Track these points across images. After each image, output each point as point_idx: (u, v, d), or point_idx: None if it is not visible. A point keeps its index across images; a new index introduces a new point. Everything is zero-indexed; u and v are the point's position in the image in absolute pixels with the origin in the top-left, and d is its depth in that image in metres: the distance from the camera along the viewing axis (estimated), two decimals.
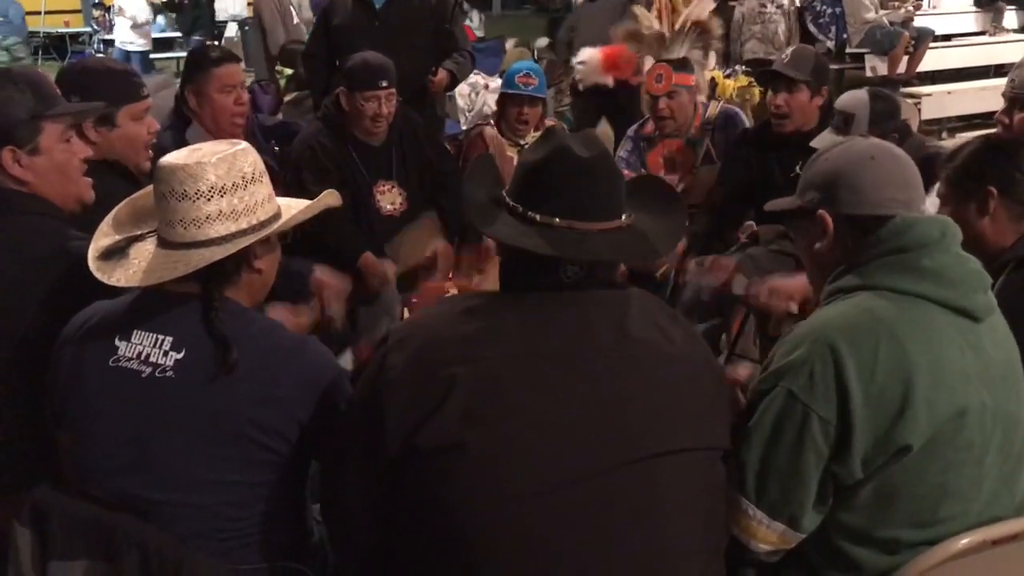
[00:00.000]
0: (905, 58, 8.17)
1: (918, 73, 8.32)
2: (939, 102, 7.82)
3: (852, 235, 1.49)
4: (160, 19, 12.92)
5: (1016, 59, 3.01)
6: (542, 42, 7.65)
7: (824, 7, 8.27)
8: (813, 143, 2.77)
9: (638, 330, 1.33)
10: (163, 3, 12.37)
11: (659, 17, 3.90)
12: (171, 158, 1.47)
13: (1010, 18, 9.41)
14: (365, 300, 3.04)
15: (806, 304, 2.27)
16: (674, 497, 1.29)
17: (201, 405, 1.40)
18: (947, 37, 9.08)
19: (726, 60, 6.75)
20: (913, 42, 8.15)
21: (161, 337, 1.43)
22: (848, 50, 8.42)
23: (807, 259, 1.60)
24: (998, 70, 8.78)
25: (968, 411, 1.40)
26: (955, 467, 1.40)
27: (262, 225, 1.49)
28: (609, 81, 4.62)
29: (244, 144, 1.52)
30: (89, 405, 1.46)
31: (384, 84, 3.09)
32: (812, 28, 8.27)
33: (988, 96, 7.73)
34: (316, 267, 2.53)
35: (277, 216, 1.53)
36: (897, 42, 8.05)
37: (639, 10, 3.90)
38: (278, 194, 1.60)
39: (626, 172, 2.79)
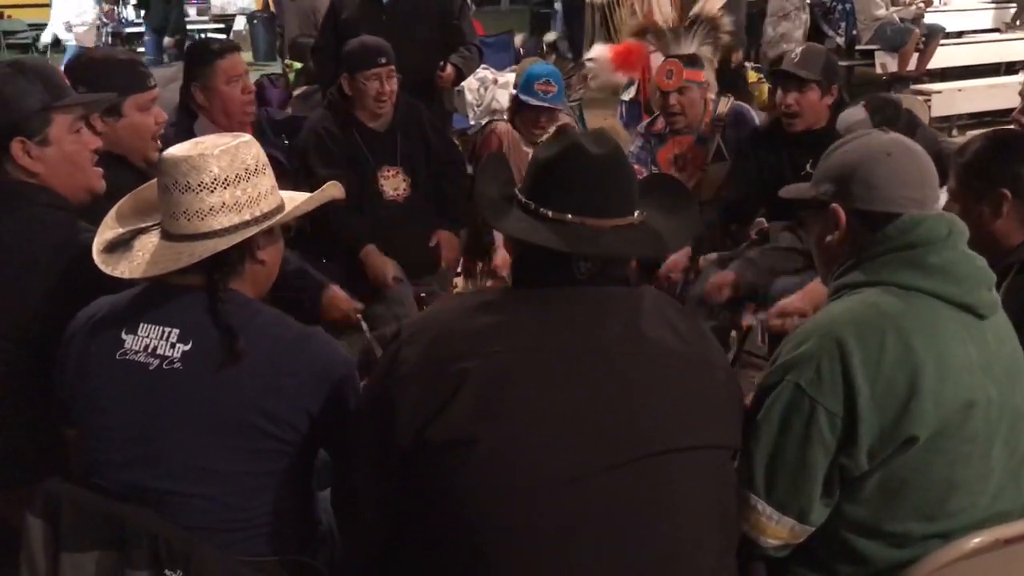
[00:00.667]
0: (915, 55, 8.15)
1: (928, 70, 8.30)
2: (949, 99, 7.79)
3: (862, 230, 1.50)
4: None
5: None
6: (551, 36, 7.64)
7: (835, 3, 8.26)
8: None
9: (650, 328, 1.33)
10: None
11: (672, 10, 3.88)
12: (174, 150, 1.48)
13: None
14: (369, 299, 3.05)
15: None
16: (685, 493, 1.29)
17: (209, 396, 1.41)
18: (958, 34, 9.04)
19: (747, 57, 6.75)
20: (923, 39, 8.13)
21: (168, 329, 1.44)
22: (858, 47, 8.40)
23: (817, 250, 1.61)
24: (1009, 67, 8.76)
25: (975, 404, 1.40)
26: (962, 460, 1.41)
27: (265, 217, 1.49)
28: (621, 79, 4.61)
29: (247, 136, 1.53)
30: (97, 399, 1.46)
31: (383, 61, 3.10)
32: (822, 24, 8.25)
33: (999, 93, 7.71)
34: (332, 286, 2.52)
35: (280, 208, 1.53)
36: (907, 39, 8.03)
37: (639, 8, 3.90)
38: (287, 187, 1.60)
39: (637, 168, 2.77)
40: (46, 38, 10.31)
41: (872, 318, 1.40)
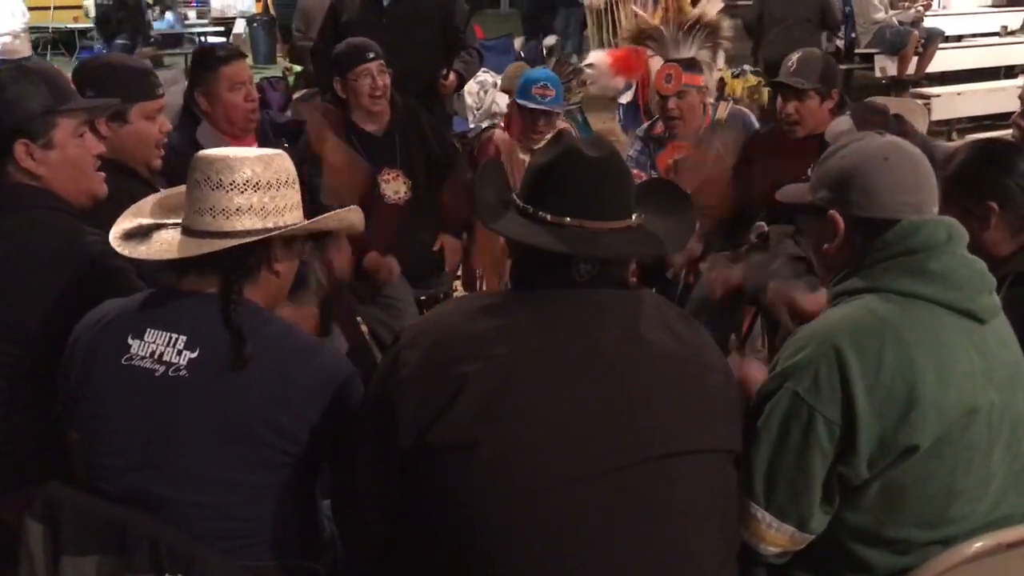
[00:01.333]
0: (915, 59, 8.15)
1: (928, 74, 8.30)
2: (949, 103, 7.80)
3: (861, 237, 1.49)
4: (169, 15, 12.95)
5: None
6: (550, 40, 7.65)
7: None
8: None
9: (649, 331, 1.33)
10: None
11: (665, 16, 3.88)
12: (210, 150, 1.50)
13: (1018, 19, 9.37)
14: (371, 299, 3.05)
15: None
16: (686, 497, 1.29)
17: (214, 405, 1.40)
18: (958, 38, 9.05)
19: (756, 62, 6.75)
20: (923, 42, 8.13)
21: (175, 336, 1.43)
22: (857, 50, 8.41)
23: (815, 256, 1.60)
24: (1008, 71, 8.77)
25: (977, 411, 1.40)
26: (963, 467, 1.40)
27: (287, 228, 1.50)
28: (620, 84, 4.62)
29: (281, 151, 1.55)
30: (101, 403, 1.46)
31: (371, 56, 3.10)
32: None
33: (998, 97, 7.72)
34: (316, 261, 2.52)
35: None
36: (907, 42, 8.03)
37: (638, 9, 3.89)
38: None
39: (636, 173, 2.78)
40: None
41: (870, 326, 1.40)
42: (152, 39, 10.63)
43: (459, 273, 3.65)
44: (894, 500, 1.40)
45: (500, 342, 1.30)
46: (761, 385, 1.46)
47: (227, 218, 1.45)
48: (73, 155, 1.79)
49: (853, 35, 8.43)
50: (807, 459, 1.38)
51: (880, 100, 3.29)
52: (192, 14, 12.67)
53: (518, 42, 7.86)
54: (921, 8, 8.46)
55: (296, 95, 4.61)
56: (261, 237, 1.46)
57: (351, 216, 1.64)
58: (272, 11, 10.94)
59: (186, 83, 2.97)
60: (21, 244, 1.72)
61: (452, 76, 3.94)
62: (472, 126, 5.18)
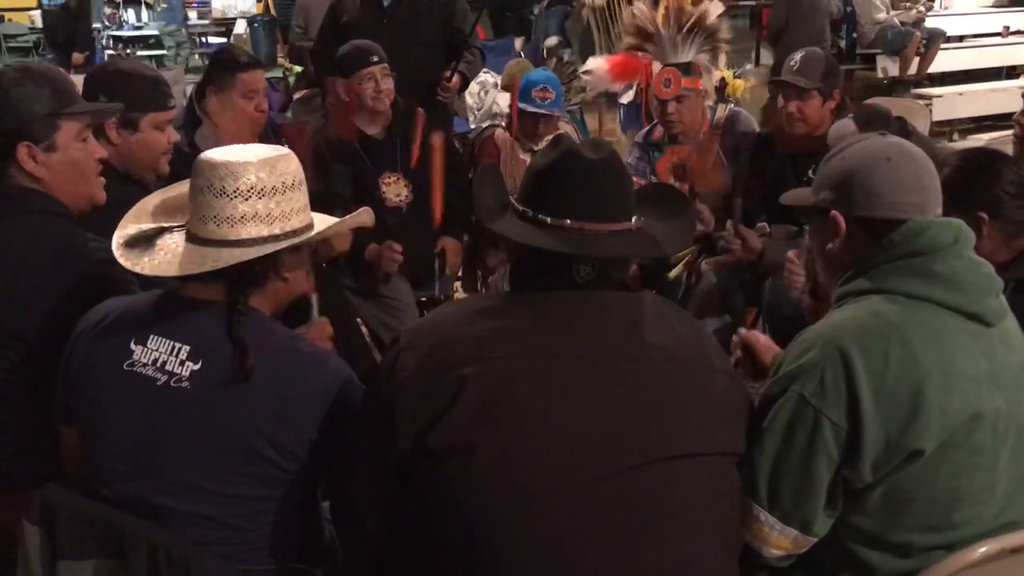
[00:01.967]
0: (916, 59, 8.15)
1: (929, 74, 8.30)
2: (950, 103, 7.80)
3: (865, 237, 1.48)
4: None
5: None
6: (551, 41, 7.64)
7: None
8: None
9: (651, 333, 1.32)
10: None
11: (666, 15, 3.87)
12: (213, 154, 1.46)
13: (1020, 19, 9.36)
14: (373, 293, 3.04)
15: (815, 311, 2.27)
16: (688, 501, 1.28)
17: (214, 419, 1.39)
18: (959, 38, 9.04)
19: (757, 62, 6.75)
20: (924, 43, 8.13)
21: (179, 345, 1.42)
22: (859, 50, 8.41)
23: (819, 258, 1.59)
24: (1010, 71, 8.76)
25: (982, 415, 1.39)
26: (967, 471, 1.39)
27: (295, 233, 1.47)
28: (619, 88, 4.60)
29: (287, 151, 1.52)
30: (100, 406, 1.45)
31: (375, 59, 3.10)
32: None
33: (1000, 98, 7.72)
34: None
35: (310, 227, 1.52)
36: (908, 42, 8.03)
37: (638, 10, 3.88)
38: None
39: (636, 180, 2.76)
40: None
41: (876, 328, 1.39)
42: (108, 48, 10.49)
43: (459, 275, 3.65)
44: (898, 504, 1.39)
45: (499, 344, 1.29)
46: (766, 388, 1.45)
47: (231, 226, 1.43)
48: (75, 158, 1.78)
49: (855, 35, 8.43)
50: (812, 463, 1.37)
51: (882, 101, 3.28)
52: (193, 14, 12.67)
53: (519, 43, 7.85)
54: (923, 8, 8.46)
55: (296, 95, 4.61)
56: (268, 251, 1.43)
57: (362, 218, 1.63)
58: (273, 11, 10.93)
59: (187, 83, 2.97)
60: (19, 248, 1.71)
61: (456, 77, 3.93)
62: (473, 126, 5.17)
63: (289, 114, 5.10)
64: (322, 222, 1.56)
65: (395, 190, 3.23)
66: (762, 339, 1.74)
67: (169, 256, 1.47)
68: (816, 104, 3.02)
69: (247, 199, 1.43)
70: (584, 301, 1.34)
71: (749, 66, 6.44)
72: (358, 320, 2.97)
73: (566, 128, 3.84)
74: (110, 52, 11.85)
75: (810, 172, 2.96)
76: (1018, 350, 1.48)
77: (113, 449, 1.43)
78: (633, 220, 1.39)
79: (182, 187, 1.56)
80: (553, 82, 3.60)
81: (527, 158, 3.55)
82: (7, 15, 13.27)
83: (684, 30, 3.49)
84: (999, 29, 9.21)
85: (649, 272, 3.16)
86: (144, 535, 1.36)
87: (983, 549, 1.38)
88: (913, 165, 1.49)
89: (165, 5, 10.86)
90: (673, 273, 3.18)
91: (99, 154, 1.84)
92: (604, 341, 1.31)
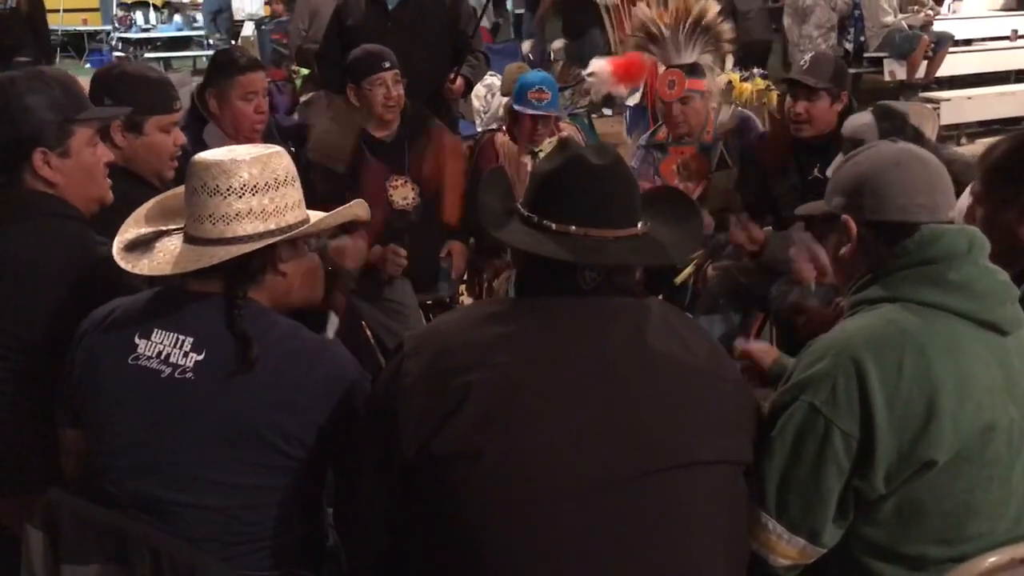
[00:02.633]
0: (924, 62, 8.13)
1: (937, 78, 8.28)
2: (958, 107, 7.77)
3: (877, 242, 1.47)
4: (177, 17, 13.00)
5: None
6: (557, 43, 7.64)
7: None
8: (829, 171, 2.74)
9: (657, 341, 1.31)
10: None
11: (674, 19, 3.86)
12: (205, 154, 1.48)
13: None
14: (378, 295, 3.04)
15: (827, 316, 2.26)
16: (694, 509, 1.27)
17: (220, 408, 1.40)
18: (967, 42, 9.01)
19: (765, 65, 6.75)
20: (932, 46, 8.10)
21: (182, 337, 1.43)
22: (866, 54, 8.39)
23: (833, 264, 1.59)
24: (1018, 75, 8.73)
25: (996, 427, 1.37)
26: (982, 484, 1.38)
27: (290, 228, 1.49)
28: (623, 91, 4.59)
29: (279, 148, 1.53)
30: (106, 402, 1.45)
31: (387, 66, 3.09)
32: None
33: (1008, 101, 7.70)
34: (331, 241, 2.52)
35: (306, 221, 1.53)
36: (916, 46, 8.01)
37: (643, 11, 3.88)
38: None
39: (640, 183, 2.75)
40: None
41: (890, 336, 1.38)
42: (116, 50, 10.29)
43: (465, 278, 3.64)
44: (911, 516, 1.38)
45: (504, 350, 1.28)
46: (776, 396, 1.44)
47: (227, 224, 1.44)
48: (88, 163, 1.80)
49: (862, 39, 8.41)
50: (822, 472, 1.36)
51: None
52: (200, 17, 12.72)
53: (526, 46, 7.86)
54: (931, 12, 8.43)
55: (303, 98, 4.61)
56: (261, 245, 1.45)
57: (355, 209, 1.63)
58: (284, 14, 10.97)
59: (193, 86, 2.98)
60: (32, 251, 1.72)
61: (459, 80, 3.93)
62: (479, 129, 5.17)
63: (296, 116, 5.10)
64: (317, 217, 1.57)
65: (402, 193, 3.23)
66: (756, 347, 1.73)
67: (168, 257, 1.49)
68: (824, 105, 3.01)
69: (241, 196, 1.44)
70: (589, 307, 1.33)
71: (756, 70, 6.41)
72: (363, 323, 2.97)
73: (568, 129, 3.84)
74: (118, 54, 11.90)
75: (815, 171, 2.97)
76: None
77: (119, 444, 1.43)
78: (639, 225, 1.38)
79: (178, 191, 1.58)
80: (549, 83, 3.59)
81: (527, 161, 3.55)
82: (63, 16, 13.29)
83: (687, 31, 3.49)
84: (1007, 33, 9.18)
85: (655, 276, 3.16)
86: (147, 539, 1.36)
87: (992, 559, 1.37)
88: (923, 168, 1.48)
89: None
90: (680, 278, 3.17)
91: (108, 158, 1.86)
92: (610, 348, 1.30)
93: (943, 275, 1.41)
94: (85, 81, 2.19)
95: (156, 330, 1.44)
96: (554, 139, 3.64)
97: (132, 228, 1.57)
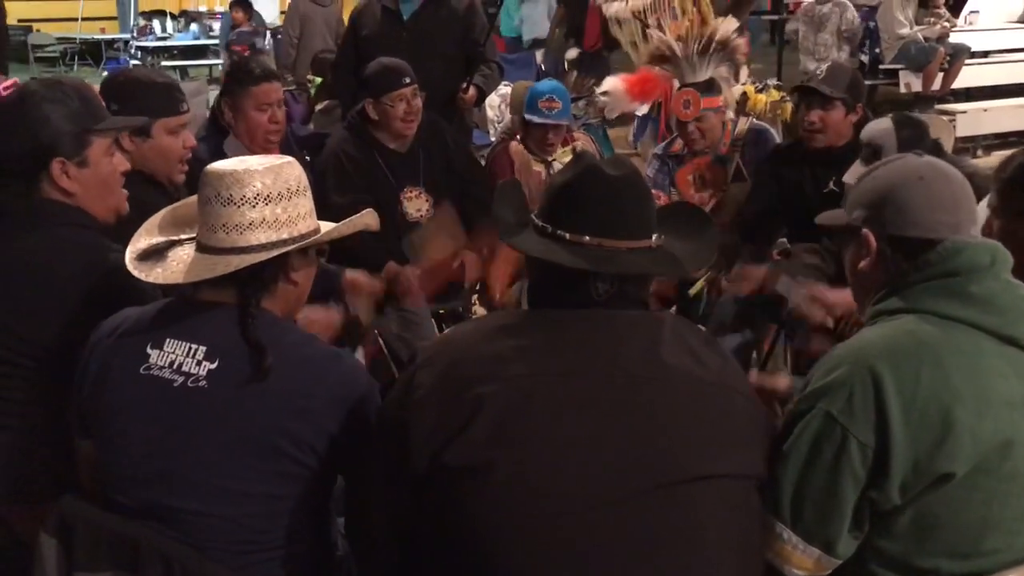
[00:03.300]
0: (940, 75, 8.09)
1: (953, 90, 8.24)
2: (975, 119, 7.73)
3: (897, 257, 1.46)
4: (194, 26, 13.10)
5: None
6: (572, 53, 7.64)
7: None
8: (845, 177, 2.73)
9: (670, 354, 1.31)
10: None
11: (687, 35, 3.86)
12: (219, 164, 1.49)
13: None
14: (392, 311, 3.04)
15: (844, 324, 2.24)
16: (708, 523, 1.26)
17: (233, 416, 1.40)
18: (984, 54, 8.97)
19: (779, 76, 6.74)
20: (948, 58, 8.07)
21: (194, 346, 1.43)
22: (882, 66, 8.36)
23: (851, 277, 1.57)
24: None
25: (1015, 442, 1.36)
26: (999, 498, 1.36)
27: (302, 237, 1.50)
28: (637, 108, 4.59)
29: (290, 158, 1.54)
30: (117, 412, 1.46)
31: (407, 81, 3.10)
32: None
33: None
34: (348, 269, 2.55)
35: (316, 231, 1.54)
36: (932, 58, 7.99)
37: (656, 33, 3.89)
38: None
39: (655, 192, 2.75)
40: None
41: (908, 347, 1.37)
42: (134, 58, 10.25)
43: (477, 288, 3.64)
44: (926, 529, 1.37)
45: (517, 363, 1.28)
46: (792, 404, 1.43)
47: (240, 233, 1.45)
48: (105, 173, 1.81)
49: (877, 51, 8.39)
50: (837, 482, 1.35)
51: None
52: (216, 26, 12.81)
53: (539, 55, 7.86)
54: (947, 24, 8.40)
55: (318, 107, 4.63)
56: (275, 254, 1.46)
57: (366, 219, 1.64)
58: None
59: (209, 94, 2.99)
60: (47, 260, 1.73)
61: (472, 90, 3.94)
62: (493, 139, 5.18)
63: (311, 126, 5.12)
64: (328, 228, 1.58)
65: (416, 205, 3.23)
66: (768, 381, 1.70)
67: (181, 266, 1.50)
68: (839, 115, 2.99)
69: (254, 206, 1.45)
70: (602, 320, 1.33)
71: (770, 81, 6.40)
72: (375, 332, 2.97)
73: (582, 140, 3.84)
74: (135, 62, 12.00)
75: (831, 183, 2.95)
76: None
77: (131, 455, 1.43)
78: (654, 238, 1.38)
79: (191, 201, 1.59)
80: (559, 92, 3.59)
81: (541, 170, 3.57)
82: (36, 26, 13.48)
83: (701, 49, 3.49)
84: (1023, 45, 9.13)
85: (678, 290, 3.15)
86: (159, 548, 1.36)
87: (1012, 575, 1.36)
88: (947, 183, 1.47)
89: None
90: (694, 290, 3.16)
91: (124, 167, 1.87)
92: (622, 361, 1.29)
93: (964, 288, 1.40)
94: None
95: (168, 340, 1.45)
96: (567, 149, 3.66)
97: (145, 237, 1.58)
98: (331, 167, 3.13)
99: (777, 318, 2.98)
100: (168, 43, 13.02)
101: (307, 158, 3.31)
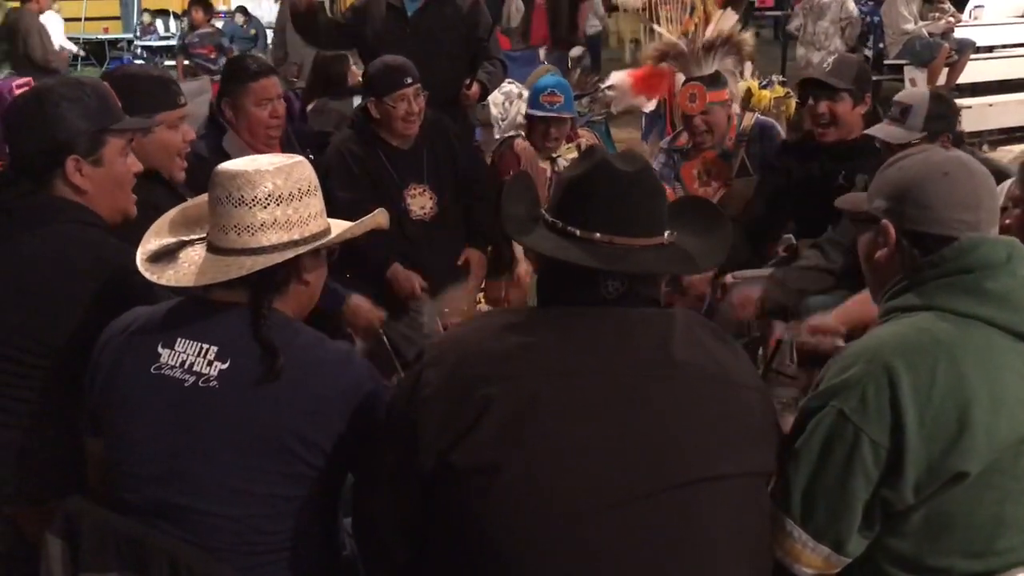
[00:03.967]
0: (945, 70, 8.07)
1: (958, 85, 8.21)
2: (980, 114, 7.71)
3: (913, 250, 1.44)
4: None
5: None
6: (576, 51, 7.64)
7: (863, 17, 8.21)
8: (869, 131, 2.75)
9: (682, 351, 1.29)
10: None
11: (694, 30, 3.87)
12: (229, 165, 1.49)
13: None
14: (395, 314, 3.03)
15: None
16: (718, 523, 1.25)
17: (244, 417, 1.39)
18: (989, 49, 8.94)
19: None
20: (953, 54, 8.04)
21: (206, 346, 1.43)
22: (886, 61, 8.34)
23: (865, 265, 1.56)
24: None
25: None
26: (1013, 497, 1.35)
27: (314, 238, 1.49)
28: (643, 103, 4.60)
29: (301, 158, 1.54)
30: (128, 411, 1.45)
31: (409, 81, 3.10)
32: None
33: None
34: (354, 295, 2.55)
35: (327, 231, 1.53)
36: (937, 53, 7.97)
37: (662, 31, 3.89)
38: None
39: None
40: None
41: (924, 345, 1.35)
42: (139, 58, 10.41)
43: (483, 287, 3.63)
44: (939, 528, 1.35)
45: (525, 362, 1.27)
46: (806, 401, 1.42)
47: (252, 234, 1.45)
48: (118, 173, 1.81)
49: (882, 46, 8.37)
50: (849, 481, 1.34)
51: None
52: (219, 24, 12.80)
53: (542, 53, 7.85)
54: (952, 19, 8.37)
55: (309, 107, 4.58)
56: (288, 255, 1.45)
57: (377, 219, 1.63)
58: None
59: (212, 93, 2.99)
60: (53, 257, 1.72)
61: (476, 86, 3.93)
62: (497, 137, 5.17)
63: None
64: (336, 226, 1.58)
65: (420, 202, 3.22)
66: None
67: (193, 268, 1.49)
68: (846, 107, 2.97)
69: (266, 207, 1.44)
70: (612, 318, 1.31)
71: (775, 77, 6.38)
72: (380, 331, 2.96)
73: (586, 137, 3.84)
74: (139, 62, 12.01)
75: (840, 177, 2.94)
76: None
77: (141, 454, 1.43)
78: (666, 235, 1.37)
79: (200, 201, 1.58)
80: (561, 86, 3.62)
81: (546, 166, 3.58)
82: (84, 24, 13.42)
83: (706, 44, 3.48)
84: None
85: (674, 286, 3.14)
86: (166, 549, 1.36)
87: (1021, 575, 1.35)
88: (970, 179, 1.44)
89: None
90: None
91: (136, 168, 1.87)
92: (632, 359, 1.28)
93: (980, 285, 1.38)
94: None
95: (180, 339, 1.44)
96: (572, 146, 3.66)
97: (154, 238, 1.58)
98: (335, 164, 3.13)
99: (783, 315, 2.96)
100: (172, 42, 13.02)
101: (310, 156, 3.29)
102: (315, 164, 3.23)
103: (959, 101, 7.79)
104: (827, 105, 2.97)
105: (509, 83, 5.38)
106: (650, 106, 5.38)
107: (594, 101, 6.07)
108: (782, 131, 3.73)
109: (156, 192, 2.10)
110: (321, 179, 3.17)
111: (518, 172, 2.41)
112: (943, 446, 1.31)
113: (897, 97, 2.75)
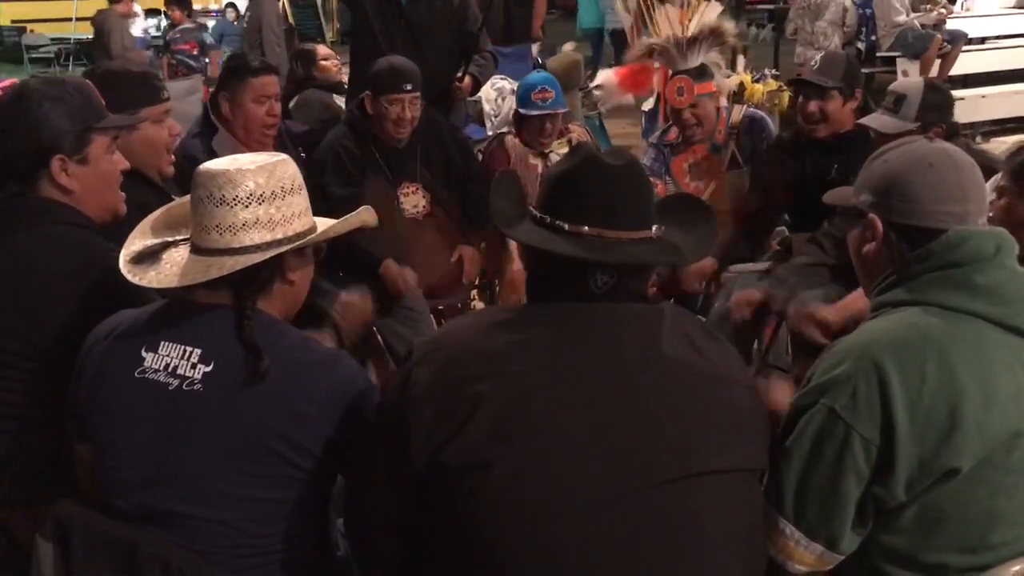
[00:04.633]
0: (937, 61, 8.07)
1: (951, 76, 8.21)
2: (972, 106, 7.71)
3: (901, 245, 1.44)
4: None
5: None
6: (569, 46, 7.61)
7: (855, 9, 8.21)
8: (863, 120, 2.76)
9: (671, 347, 1.29)
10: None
11: (679, 23, 3.86)
12: (211, 164, 1.47)
13: None
14: (388, 311, 3.02)
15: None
16: (710, 519, 1.25)
17: (229, 420, 1.38)
18: (981, 40, 8.95)
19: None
20: (946, 45, 8.05)
21: (189, 349, 1.41)
22: (879, 53, 8.34)
23: (855, 259, 1.56)
24: None
25: (1021, 434, 1.34)
26: (1006, 491, 1.35)
27: (298, 236, 1.48)
28: (630, 100, 4.60)
29: (284, 156, 1.52)
30: (112, 416, 1.44)
31: (408, 88, 3.10)
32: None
33: (1022, 100, 7.62)
34: (343, 292, 2.55)
35: (312, 229, 1.52)
36: (929, 45, 7.97)
37: (658, 22, 3.90)
38: None
39: (652, 180, 2.73)
40: None
41: (914, 341, 1.35)
42: None
43: (476, 283, 3.63)
44: (932, 524, 1.35)
45: (516, 359, 1.26)
46: (796, 398, 1.42)
47: (234, 234, 1.43)
48: (105, 171, 1.80)
49: (874, 38, 8.37)
50: (840, 478, 1.33)
51: None
52: (211, 23, 12.77)
53: (535, 49, 7.83)
54: (944, 11, 8.38)
55: (291, 104, 4.56)
56: (270, 255, 1.44)
57: (363, 216, 1.62)
58: (292, 20, 11.02)
59: (201, 93, 2.98)
60: (41, 258, 1.71)
61: (468, 80, 3.93)
62: (490, 133, 5.16)
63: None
64: (323, 224, 1.56)
65: (413, 201, 3.22)
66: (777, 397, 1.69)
67: (175, 268, 1.48)
68: (836, 104, 2.98)
69: (247, 206, 1.43)
70: (602, 314, 1.31)
71: (767, 71, 6.38)
72: (374, 329, 2.95)
73: (577, 131, 3.84)
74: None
75: (834, 171, 2.94)
76: None
77: (127, 459, 1.42)
78: (654, 229, 1.36)
79: (185, 201, 1.57)
80: (551, 82, 3.62)
81: (537, 162, 3.58)
82: (30, 26, 13.44)
83: (690, 38, 3.48)
84: (1022, 31, 9.10)
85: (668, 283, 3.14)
86: (158, 552, 1.35)
87: (1016, 568, 1.35)
88: (956, 171, 1.44)
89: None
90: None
91: (123, 165, 1.86)
92: (622, 356, 1.28)
93: (969, 278, 1.38)
94: None
95: (163, 342, 1.43)
96: (563, 140, 3.65)
97: (138, 239, 1.57)
98: (329, 161, 3.13)
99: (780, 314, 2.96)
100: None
101: (302, 155, 3.29)
102: (307, 162, 3.24)
103: (951, 93, 7.83)
104: (817, 104, 2.98)
105: (501, 79, 5.36)
106: (648, 104, 5.38)
107: (586, 96, 6.06)
108: (774, 125, 3.72)
109: (143, 193, 2.09)
110: (316, 175, 3.17)
111: (505, 169, 2.41)
112: (934, 443, 1.31)
113: (892, 86, 2.76)
